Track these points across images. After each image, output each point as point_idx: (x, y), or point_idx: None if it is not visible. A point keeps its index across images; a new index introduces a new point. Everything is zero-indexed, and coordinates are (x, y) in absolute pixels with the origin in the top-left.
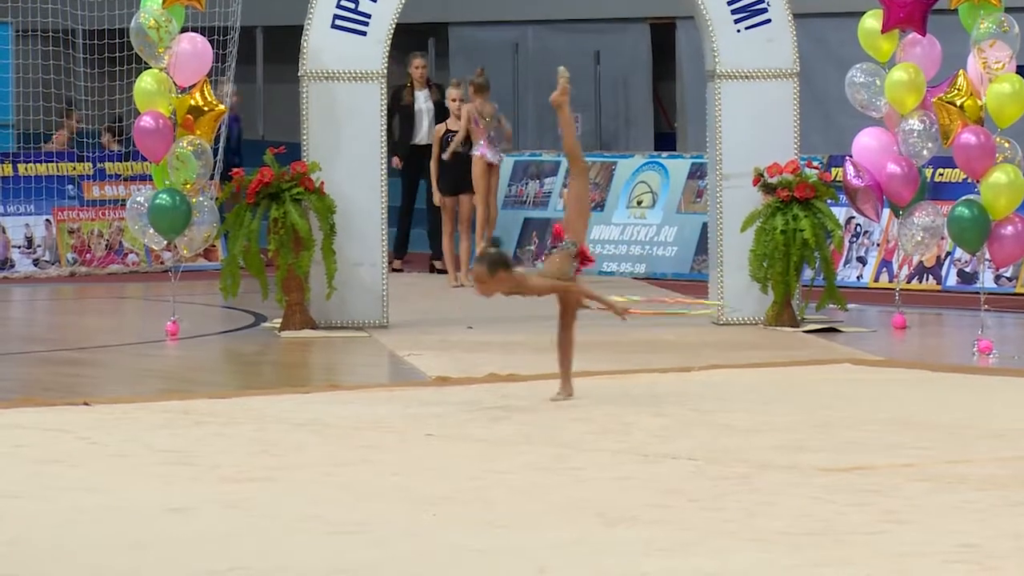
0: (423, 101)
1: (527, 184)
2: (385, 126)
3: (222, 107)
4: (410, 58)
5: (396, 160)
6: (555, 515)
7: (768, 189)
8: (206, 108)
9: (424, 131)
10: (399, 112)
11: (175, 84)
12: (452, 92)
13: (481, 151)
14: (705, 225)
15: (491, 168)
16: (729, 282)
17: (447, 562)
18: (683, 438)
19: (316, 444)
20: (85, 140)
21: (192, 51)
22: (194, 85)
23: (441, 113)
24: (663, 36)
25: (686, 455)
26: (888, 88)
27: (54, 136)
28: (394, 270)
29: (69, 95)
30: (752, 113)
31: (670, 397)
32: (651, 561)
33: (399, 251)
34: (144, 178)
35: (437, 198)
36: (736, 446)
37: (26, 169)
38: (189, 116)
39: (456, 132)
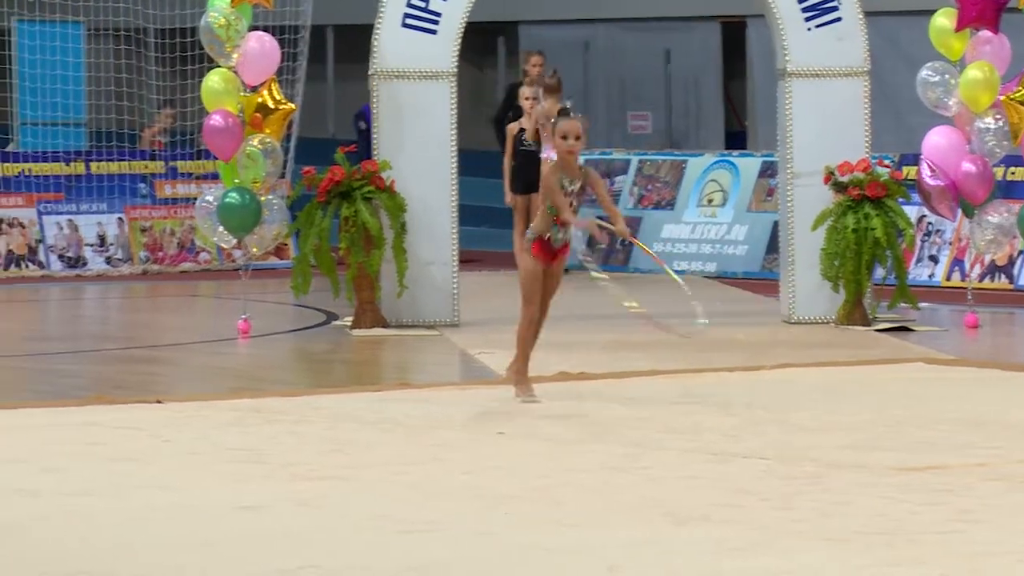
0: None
1: None
2: (498, 119)
3: (291, 106)
4: (526, 56)
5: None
6: (625, 514)
7: (839, 187)
8: (274, 107)
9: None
10: (514, 111)
11: (244, 83)
12: (525, 91)
13: (547, 154)
14: (776, 224)
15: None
16: (800, 281)
17: (517, 561)
18: (753, 437)
19: (387, 443)
20: (177, 139)
21: (260, 50)
22: (262, 84)
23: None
24: (733, 34)
25: (756, 454)
26: (963, 86)
27: (143, 132)
28: None
29: (147, 95)
30: (823, 111)
31: (740, 396)
32: (722, 561)
33: None
34: (215, 176)
35: (509, 197)
36: (807, 445)
37: (98, 167)
38: (257, 115)
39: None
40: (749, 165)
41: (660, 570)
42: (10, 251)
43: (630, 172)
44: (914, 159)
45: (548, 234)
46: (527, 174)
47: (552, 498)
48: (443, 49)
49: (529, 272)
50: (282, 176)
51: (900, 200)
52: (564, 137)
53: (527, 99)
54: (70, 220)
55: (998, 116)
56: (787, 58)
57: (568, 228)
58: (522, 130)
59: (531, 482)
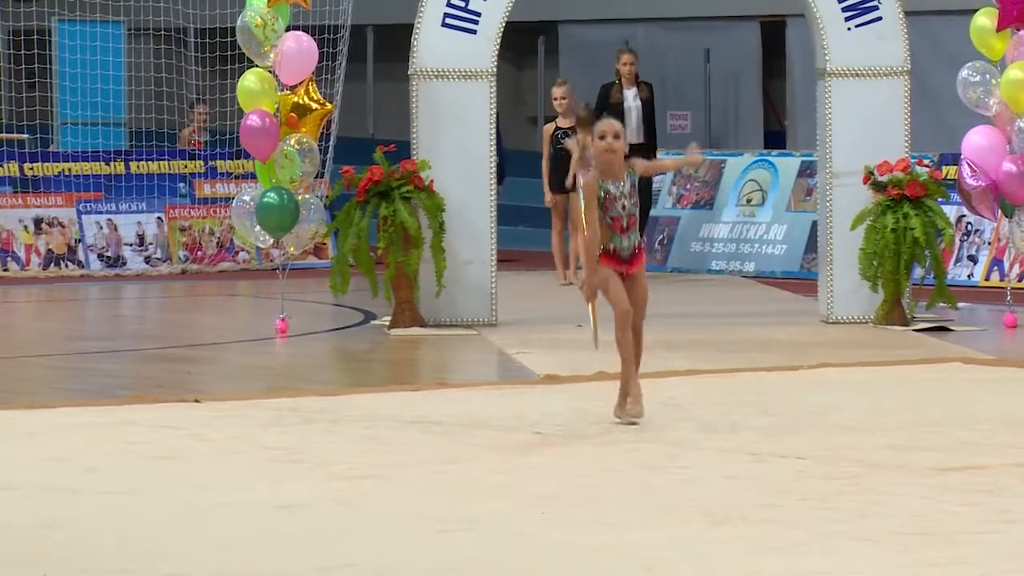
0: (631, 99)
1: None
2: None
3: (329, 106)
4: (617, 54)
5: None
6: (663, 514)
7: (878, 187)
8: (314, 106)
9: (633, 129)
10: (608, 110)
11: (281, 82)
12: (556, 91)
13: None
14: (815, 223)
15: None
16: (839, 281)
17: (554, 561)
18: (792, 437)
19: (425, 442)
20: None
21: (297, 49)
22: (300, 83)
23: (650, 111)
24: (773, 34)
25: (795, 454)
26: (1004, 86)
27: (181, 131)
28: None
29: (187, 94)
30: (862, 111)
31: (779, 396)
32: (761, 561)
33: None
34: (254, 176)
35: (548, 198)
36: (845, 445)
37: (138, 167)
38: (293, 114)
39: (565, 129)
40: (788, 165)
41: (698, 570)
42: (50, 250)
43: (668, 172)
44: (954, 159)
45: (611, 244)
46: (564, 174)
47: (590, 498)
48: (483, 49)
49: (603, 279)
50: (321, 176)
51: (939, 200)
52: (602, 136)
53: (556, 99)
54: (109, 219)
55: None
56: (827, 57)
57: (630, 234)
58: (558, 129)
59: (569, 482)
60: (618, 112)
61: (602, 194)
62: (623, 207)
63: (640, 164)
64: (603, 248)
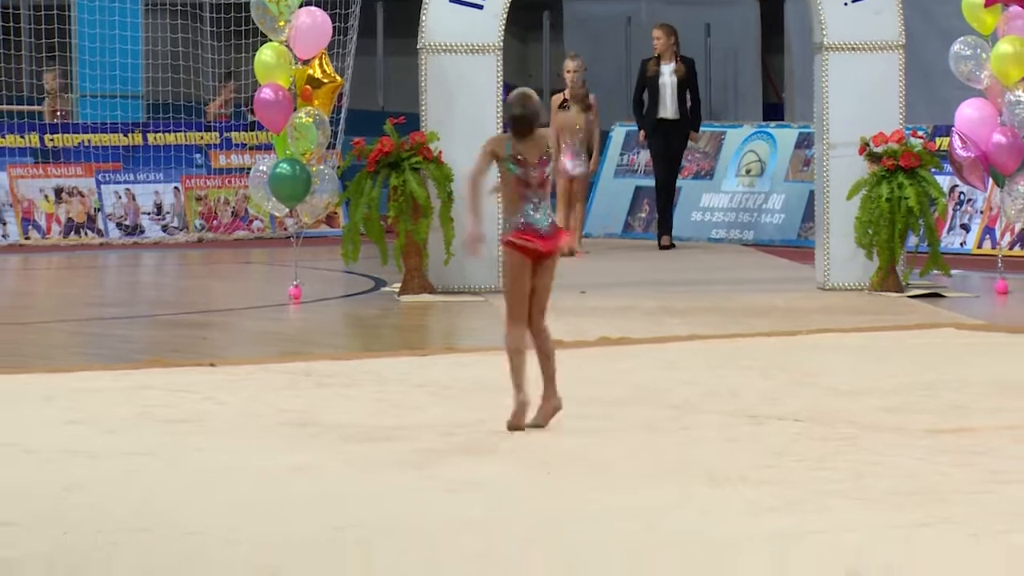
0: (667, 75)
1: (638, 153)
2: (634, 101)
3: (340, 79)
4: (652, 30)
5: (642, 134)
6: (665, 475)
7: (874, 158)
8: (325, 80)
9: (669, 104)
10: (647, 85)
11: (295, 56)
12: (568, 64)
13: (562, 163)
14: (812, 193)
15: (573, 181)
16: (835, 249)
17: (558, 520)
18: (789, 400)
19: (434, 405)
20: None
21: (311, 24)
22: (313, 57)
23: (685, 88)
24: (772, 9)
25: (792, 417)
26: (994, 60)
27: (208, 105)
28: (662, 247)
29: (203, 68)
30: (858, 84)
31: (777, 360)
32: (759, 519)
33: (664, 228)
34: (269, 147)
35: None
36: (841, 408)
37: (155, 138)
38: (307, 87)
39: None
40: (786, 136)
41: (699, 529)
42: (70, 219)
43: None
44: (946, 131)
45: (521, 217)
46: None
47: (594, 459)
48: (489, 24)
49: (506, 269)
50: (332, 147)
51: (933, 170)
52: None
53: (568, 72)
54: (128, 189)
55: None
56: (824, 32)
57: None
58: (565, 101)
59: (573, 443)
60: (655, 87)
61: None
62: (533, 177)
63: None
64: (515, 225)
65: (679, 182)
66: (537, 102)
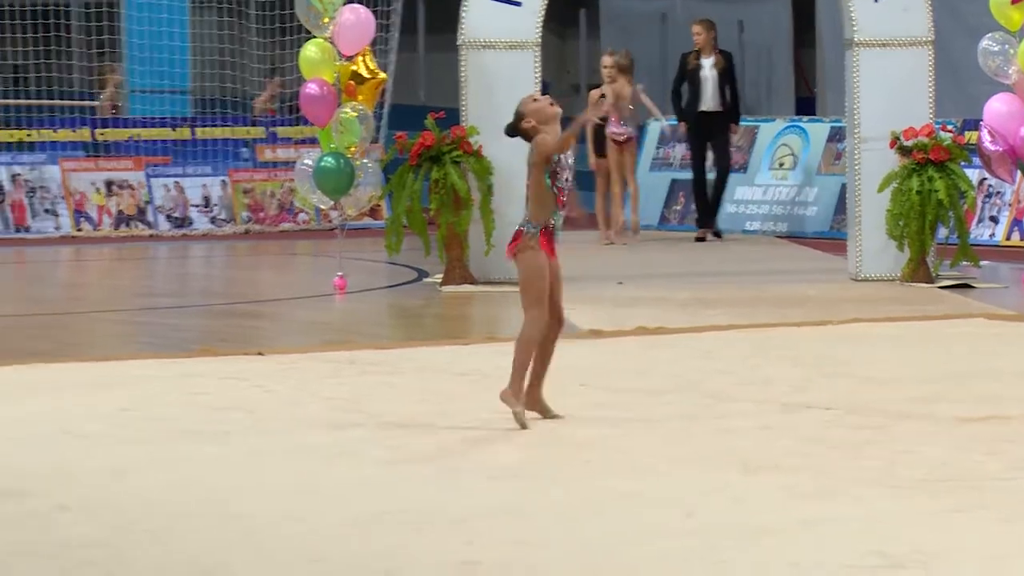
0: (708, 68)
1: (674, 147)
2: (672, 93)
3: (383, 75)
4: (692, 25)
5: (682, 126)
6: (700, 462)
7: (904, 152)
8: (368, 76)
9: (709, 97)
10: (687, 78)
11: (339, 52)
12: (606, 60)
13: (610, 128)
14: (844, 186)
15: (623, 145)
16: (867, 240)
17: (596, 507)
18: (822, 389)
19: (475, 393)
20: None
21: (355, 21)
22: (357, 53)
23: (725, 81)
24: (804, 6)
25: (825, 405)
26: (1021, 56)
27: (255, 101)
28: (697, 239)
29: (249, 64)
30: (889, 79)
31: (810, 350)
32: (793, 507)
33: (703, 220)
34: (313, 141)
35: (592, 161)
36: (874, 397)
37: (203, 133)
38: (351, 83)
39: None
40: (818, 130)
41: (733, 516)
42: (120, 211)
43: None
44: (975, 125)
45: (552, 221)
46: (605, 139)
47: (631, 446)
48: (528, 20)
49: (534, 268)
50: (376, 141)
51: (962, 164)
52: (536, 99)
53: (606, 68)
54: (176, 182)
55: None
56: (855, 28)
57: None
58: (603, 96)
59: (611, 431)
60: (695, 80)
61: (555, 158)
62: (567, 180)
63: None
64: (542, 225)
65: (710, 174)
66: (523, 104)
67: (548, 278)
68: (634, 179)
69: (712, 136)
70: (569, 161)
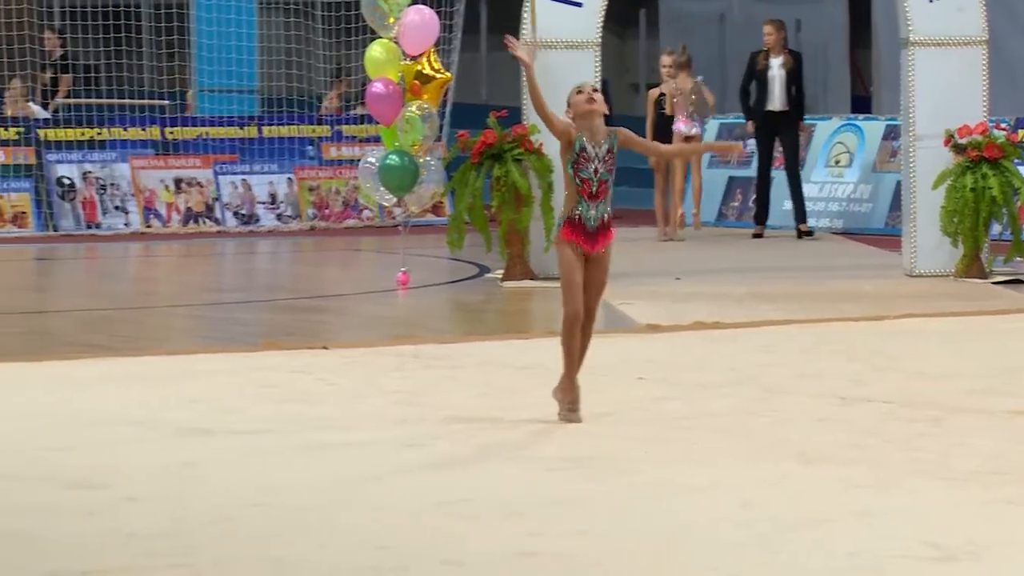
0: (776, 68)
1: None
2: (741, 92)
3: (448, 75)
4: (763, 24)
5: (750, 125)
6: (757, 454)
7: (958, 149)
8: (433, 75)
9: (777, 97)
10: (755, 77)
11: (404, 52)
12: (664, 59)
13: (676, 126)
14: (899, 183)
15: (688, 140)
16: (921, 237)
17: (655, 497)
18: (877, 383)
19: (535, 387)
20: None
21: (420, 21)
22: (421, 53)
23: (792, 81)
24: (860, 5)
25: (880, 399)
26: None
27: (324, 101)
28: (755, 236)
29: (315, 64)
30: (943, 78)
31: (865, 344)
32: (847, 498)
33: (760, 217)
34: (378, 140)
35: (652, 159)
36: (928, 390)
37: (270, 131)
38: (416, 82)
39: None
40: (874, 128)
41: (789, 507)
42: (189, 208)
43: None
44: None
45: (577, 211)
46: (664, 137)
47: (689, 438)
48: (588, 20)
49: (559, 259)
50: (439, 139)
51: (1015, 161)
52: (580, 91)
53: (665, 67)
54: (244, 180)
55: None
56: (910, 28)
57: (601, 201)
58: (662, 95)
59: (669, 424)
60: (763, 80)
61: (577, 148)
62: (595, 171)
63: (625, 133)
64: (567, 216)
65: (772, 172)
66: (569, 93)
67: (573, 270)
68: (699, 173)
69: (779, 135)
70: (599, 151)
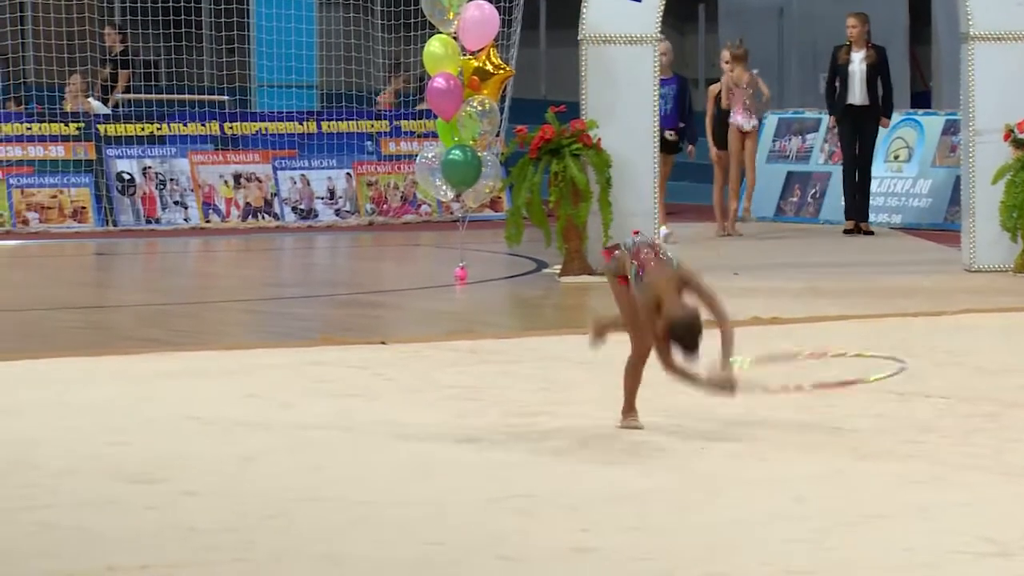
0: (858, 62)
1: (790, 140)
2: (826, 86)
3: (509, 70)
4: (847, 17)
5: (831, 119)
6: (812, 449)
7: (1018, 144)
8: (494, 71)
9: (858, 91)
10: (837, 72)
11: (463, 48)
12: (725, 54)
13: (733, 118)
14: (958, 178)
15: (746, 135)
16: (980, 232)
17: (710, 491)
18: (935, 378)
19: (592, 381)
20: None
21: (480, 17)
22: (481, 49)
23: (875, 75)
24: (919, 1)
25: (937, 394)
26: None
27: (379, 96)
28: (846, 232)
29: (374, 59)
30: (1003, 73)
31: (923, 340)
32: (904, 493)
33: (851, 212)
34: (436, 135)
35: (713, 153)
36: (985, 386)
37: (328, 126)
38: (475, 77)
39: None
40: (933, 123)
41: (844, 501)
42: (248, 203)
43: (821, 130)
44: None
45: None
46: (722, 129)
47: (745, 434)
48: (647, 16)
49: (615, 295)
50: (497, 135)
51: None
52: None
53: (726, 62)
54: (302, 175)
55: None
56: (970, 22)
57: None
58: (720, 92)
59: (725, 419)
60: (845, 74)
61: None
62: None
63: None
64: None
65: (830, 167)
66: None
67: (627, 305)
68: (753, 169)
69: (862, 129)
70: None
